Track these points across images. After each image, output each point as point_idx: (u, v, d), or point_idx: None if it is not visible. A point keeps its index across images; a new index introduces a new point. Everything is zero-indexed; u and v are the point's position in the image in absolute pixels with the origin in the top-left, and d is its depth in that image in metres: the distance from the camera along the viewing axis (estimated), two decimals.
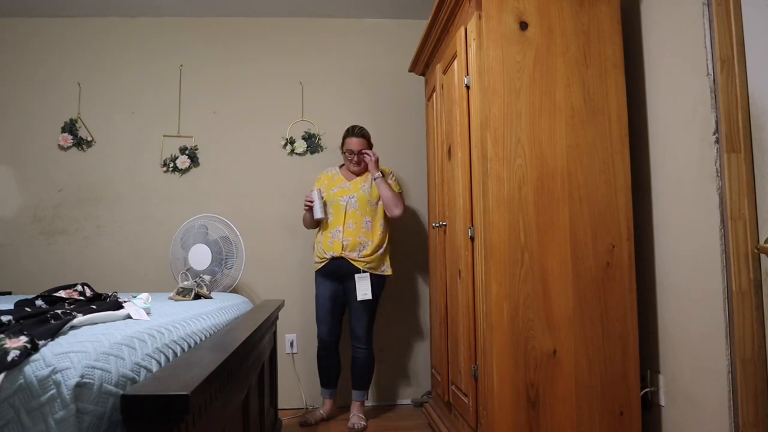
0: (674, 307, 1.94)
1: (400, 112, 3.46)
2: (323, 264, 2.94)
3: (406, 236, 3.37)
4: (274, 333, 2.56)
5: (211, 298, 2.32)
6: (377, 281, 2.92)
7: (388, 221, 3.00)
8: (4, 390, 0.85)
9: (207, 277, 2.60)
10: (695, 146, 1.79)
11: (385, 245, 2.96)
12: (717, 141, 1.69)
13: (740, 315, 1.62)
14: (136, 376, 1.08)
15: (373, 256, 2.89)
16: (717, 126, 1.69)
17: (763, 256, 1.61)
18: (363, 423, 2.87)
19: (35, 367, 0.90)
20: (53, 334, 1.05)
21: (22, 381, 0.88)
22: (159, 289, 3.04)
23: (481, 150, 2.03)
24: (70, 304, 1.57)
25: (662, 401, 2.00)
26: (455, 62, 2.34)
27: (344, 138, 3.01)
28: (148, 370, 1.13)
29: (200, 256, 2.85)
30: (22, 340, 0.94)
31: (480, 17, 2.03)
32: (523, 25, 2.03)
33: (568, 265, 1.98)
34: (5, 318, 1.15)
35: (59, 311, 1.27)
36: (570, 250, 1.98)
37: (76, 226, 3.29)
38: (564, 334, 1.96)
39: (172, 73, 3.40)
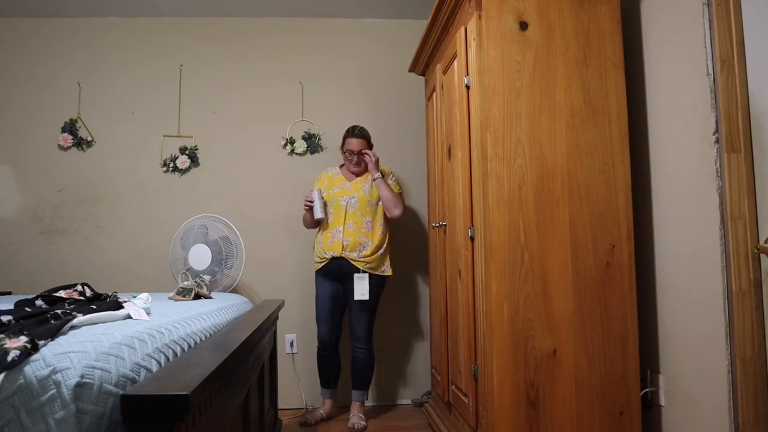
0: (674, 307, 1.94)
1: (400, 112, 3.46)
2: (323, 264, 2.94)
3: (406, 236, 3.37)
4: (274, 333, 2.56)
5: (211, 298, 2.32)
6: (377, 281, 2.92)
7: (388, 222, 3.00)
8: (4, 390, 0.85)
9: (207, 277, 2.60)
10: (695, 146, 1.79)
11: (385, 246, 2.96)
12: (717, 141, 1.69)
13: (740, 315, 1.62)
14: (136, 376, 1.08)
15: (373, 257, 2.90)
16: (717, 126, 1.69)
17: (763, 256, 1.61)
18: (363, 423, 2.87)
19: (35, 367, 0.90)
20: (53, 334, 1.05)
21: (22, 381, 0.88)
22: (159, 289, 3.04)
23: (481, 150, 2.03)
24: (70, 304, 1.57)
25: (662, 401, 2.00)
26: (455, 62, 2.34)
27: (344, 138, 3.01)
28: (148, 370, 1.13)
29: (200, 256, 2.85)
30: (22, 340, 0.94)
31: (480, 17, 2.03)
32: (523, 25, 2.03)
33: (568, 265, 1.98)
34: (5, 318, 1.15)
35: (59, 311, 1.27)
36: (570, 250, 1.98)
37: (76, 226, 3.29)
38: (564, 334, 1.96)
39: (172, 73, 3.40)
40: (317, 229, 3.05)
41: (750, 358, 1.61)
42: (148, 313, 1.49)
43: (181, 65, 3.40)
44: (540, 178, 1.99)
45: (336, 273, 2.93)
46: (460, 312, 2.28)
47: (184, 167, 3.34)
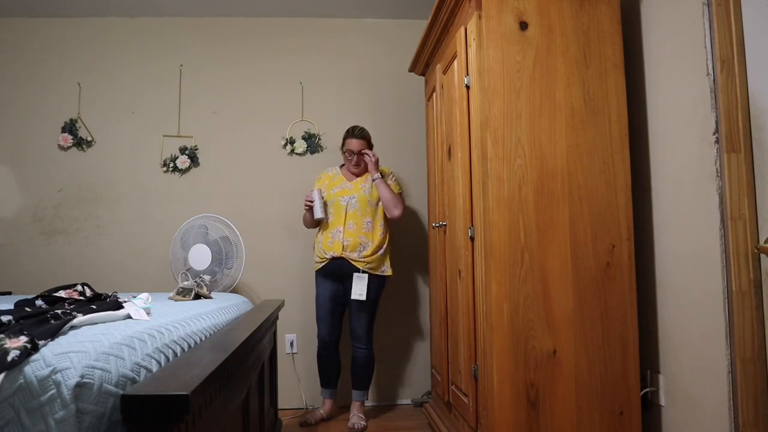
0: (674, 307, 1.94)
1: (400, 112, 3.46)
2: (323, 264, 2.94)
3: (406, 236, 3.37)
4: (274, 333, 2.56)
5: (211, 298, 2.32)
6: (377, 282, 2.92)
7: (389, 222, 3.00)
8: (4, 390, 0.85)
9: (207, 277, 2.60)
10: (695, 146, 1.79)
11: (385, 246, 2.96)
12: (717, 141, 1.69)
13: (740, 315, 1.62)
14: (136, 376, 1.08)
15: (373, 257, 2.90)
16: (717, 126, 1.69)
17: (763, 256, 1.61)
18: (363, 423, 2.87)
19: (35, 367, 0.90)
20: (53, 334, 1.05)
21: (22, 381, 0.88)
22: (159, 289, 3.04)
23: (481, 150, 2.03)
24: (70, 304, 1.57)
25: (662, 401, 2.00)
26: (455, 62, 2.34)
27: (344, 138, 3.01)
28: (148, 370, 1.13)
29: (200, 256, 2.85)
30: (22, 340, 0.94)
31: (480, 17, 2.03)
32: (523, 25, 2.03)
33: (568, 265, 1.98)
34: (5, 318, 1.15)
35: (59, 311, 1.27)
36: (570, 250, 1.98)
37: (76, 226, 3.29)
38: (564, 334, 1.96)
39: (172, 73, 3.40)
40: (317, 229, 3.05)
41: (750, 358, 1.61)
42: (148, 313, 1.49)
43: (181, 65, 3.40)
44: (540, 178, 1.99)
45: (336, 273, 2.93)
46: (460, 312, 2.28)
47: (184, 167, 3.34)
